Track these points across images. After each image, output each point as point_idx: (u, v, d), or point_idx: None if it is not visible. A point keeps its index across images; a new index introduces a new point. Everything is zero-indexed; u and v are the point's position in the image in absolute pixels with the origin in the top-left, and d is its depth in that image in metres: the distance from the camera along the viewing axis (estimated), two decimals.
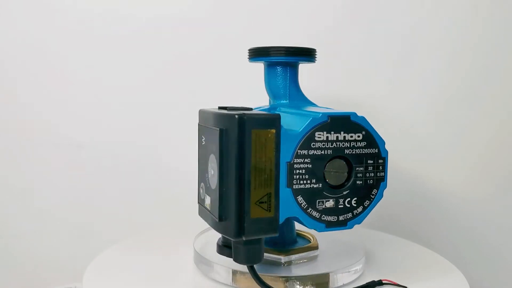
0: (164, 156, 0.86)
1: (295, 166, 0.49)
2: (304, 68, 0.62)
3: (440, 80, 0.87)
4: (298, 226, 0.63)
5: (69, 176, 0.85)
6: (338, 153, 0.51)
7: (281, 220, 0.49)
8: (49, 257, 0.83)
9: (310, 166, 0.50)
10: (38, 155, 0.84)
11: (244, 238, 0.47)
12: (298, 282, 0.54)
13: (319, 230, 0.51)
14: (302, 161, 0.49)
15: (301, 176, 0.49)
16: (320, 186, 0.50)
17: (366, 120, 0.51)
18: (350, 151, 0.51)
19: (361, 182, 0.52)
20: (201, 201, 0.54)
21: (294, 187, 0.49)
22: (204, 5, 0.85)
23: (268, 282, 0.51)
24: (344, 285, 0.56)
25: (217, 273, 0.57)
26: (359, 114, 0.51)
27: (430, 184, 0.87)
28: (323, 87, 0.84)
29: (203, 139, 0.54)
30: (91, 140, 0.85)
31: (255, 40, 0.66)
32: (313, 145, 0.50)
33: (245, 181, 0.47)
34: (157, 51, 0.85)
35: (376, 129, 0.52)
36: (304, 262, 0.59)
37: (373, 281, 0.56)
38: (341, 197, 0.51)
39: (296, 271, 0.57)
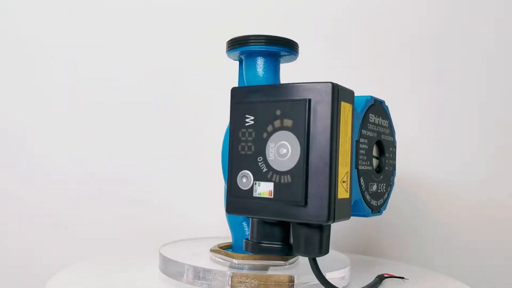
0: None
1: (360, 146, 0.47)
2: None
3: None
4: None
5: None
6: (379, 137, 0.51)
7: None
8: None
9: (367, 147, 0.48)
10: None
11: (332, 222, 0.42)
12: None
13: (368, 215, 0.49)
14: (363, 141, 0.48)
15: (362, 157, 0.47)
16: (371, 169, 0.49)
17: (388, 108, 0.53)
18: (383, 137, 0.52)
19: (387, 168, 0.53)
20: (240, 193, 0.45)
21: (359, 168, 0.47)
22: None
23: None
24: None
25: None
26: None
27: None
28: None
29: (250, 119, 0.46)
30: None
31: None
32: (368, 126, 0.49)
33: (335, 157, 0.42)
34: None
35: None
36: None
37: (379, 275, 0.56)
38: (380, 182, 0.51)
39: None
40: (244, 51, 0.56)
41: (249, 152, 0.46)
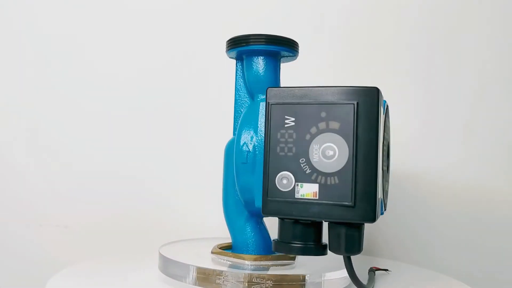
0: None
1: (383, 147, 0.49)
2: None
3: None
4: None
5: None
6: (388, 139, 0.54)
7: None
8: None
9: (386, 148, 0.51)
10: None
11: (375, 221, 0.44)
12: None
13: (382, 214, 0.51)
14: (385, 142, 0.50)
15: (383, 158, 0.50)
16: (386, 169, 0.52)
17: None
18: (387, 137, 0.55)
19: (386, 168, 0.56)
20: (278, 194, 0.45)
21: (383, 169, 0.49)
22: None
23: None
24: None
25: None
26: None
27: None
28: None
29: (290, 120, 0.45)
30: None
31: None
32: (385, 128, 0.51)
33: (378, 158, 0.44)
34: None
35: None
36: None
37: (370, 269, 0.59)
38: (387, 181, 0.54)
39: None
40: (246, 50, 0.56)
41: (290, 154, 0.45)
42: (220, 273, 0.52)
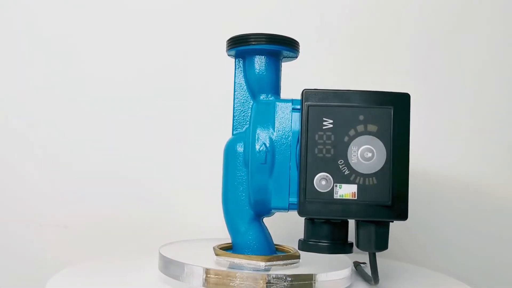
0: None
1: None
2: None
3: None
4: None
5: None
6: None
7: None
8: None
9: None
10: None
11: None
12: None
13: None
14: None
15: None
16: None
17: None
18: None
19: None
20: (315, 195, 0.46)
21: None
22: None
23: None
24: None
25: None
26: None
27: None
28: None
29: (329, 122, 0.46)
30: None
31: None
32: None
33: (408, 160, 0.46)
34: None
35: None
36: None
37: (356, 262, 0.62)
38: None
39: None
40: (249, 49, 0.56)
41: (328, 155, 0.46)
42: (235, 275, 0.51)
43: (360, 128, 0.46)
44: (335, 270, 0.53)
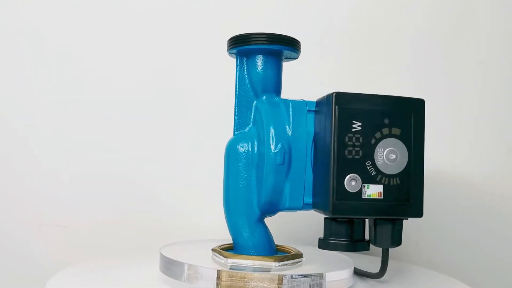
0: None
1: None
2: None
3: None
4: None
5: None
6: None
7: None
8: None
9: None
10: None
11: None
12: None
13: None
14: None
15: None
16: None
17: None
18: None
19: None
20: (347, 196, 0.47)
21: None
22: None
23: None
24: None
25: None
26: None
27: None
28: None
29: (358, 125, 0.47)
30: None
31: None
32: None
33: (423, 161, 0.50)
34: None
35: None
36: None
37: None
38: None
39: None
40: (254, 49, 0.56)
41: (357, 157, 0.48)
42: (251, 276, 0.51)
43: (385, 131, 0.49)
44: (340, 269, 0.54)
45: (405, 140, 0.49)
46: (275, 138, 0.53)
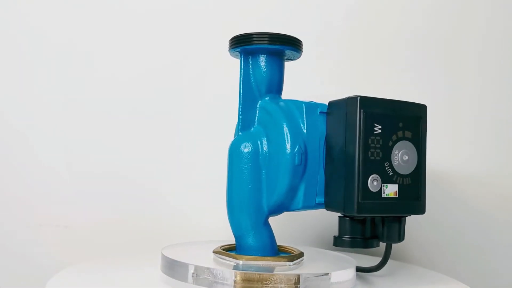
0: None
1: None
2: None
3: None
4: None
5: None
6: None
7: None
8: None
9: None
10: None
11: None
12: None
13: None
14: None
15: None
16: None
17: None
18: None
19: None
20: (370, 195, 0.50)
21: None
22: None
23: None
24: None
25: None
26: None
27: None
28: None
29: (378, 127, 0.49)
30: None
31: None
32: None
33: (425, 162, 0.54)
34: None
35: None
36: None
37: None
38: None
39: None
40: (261, 49, 0.56)
41: (378, 158, 0.50)
42: (268, 277, 0.51)
43: (400, 134, 0.52)
44: (346, 268, 0.55)
45: (415, 143, 0.53)
46: (292, 138, 0.53)
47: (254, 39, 0.55)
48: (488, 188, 0.84)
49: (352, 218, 0.52)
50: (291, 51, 0.57)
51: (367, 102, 0.51)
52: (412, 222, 0.76)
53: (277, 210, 0.55)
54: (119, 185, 0.82)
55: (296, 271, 0.52)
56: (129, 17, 0.84)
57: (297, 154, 0.53)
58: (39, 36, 0.84)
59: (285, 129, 0.54)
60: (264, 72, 0.57)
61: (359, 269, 0.59)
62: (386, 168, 0.51)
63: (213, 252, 0.57)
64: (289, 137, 0.53)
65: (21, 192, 0.83)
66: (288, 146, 0.53)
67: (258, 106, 0.57)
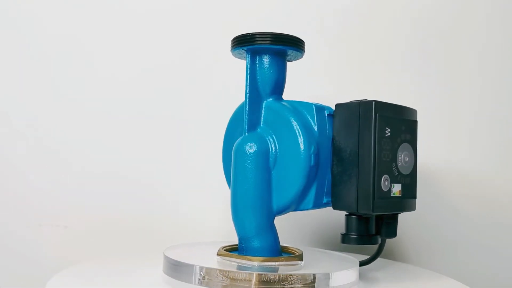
0: None
1: None
2: None
3: None
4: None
5: None
6: None
7: None
8: None
9: None
10: None
11: None
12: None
13: None
14: None
15: None
16: None
17: None
18: None
19: None
20: (382, 195, 0.52)
21: None
22: None
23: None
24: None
25: None
26: None
27: None
28: None
29: (388, 130, 0.52)
30: None
31: None
32: None
33: None
34: None
35: None
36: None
37: None
38: None
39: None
40: (270, 49, 0.56)
41: (387, 159, 0.53)
42: (286, 277, 0.51)
43: (402, 136, 0.56)
44: (350, 267, 0.57)
45: (412, 145, 0.57)
46: (306, 139, 0.54)
47: (268, 38, 0.55)
48: (486, 187, 0.84)
49: (360, 217, 0.55)
50: (296, 52, 0.57)
51: (379, 106, 0.54)
52: (413, 222, 0.82)
53: (286, 210, 0.55)
54: (119, 185, 0.82)
55: (309, 271, 0.53)
56: (129, 17, 0.84)
57: (313, 155, 0.54)
58: (39, 36, 0.83)
59: (298, 130, 0.54)
60: (270, 72, 0.57)
61: None
62: (393, 169, 0.55)
63: (219, 254, 0.56)
64: (303, 138, 0.54)
65: (21, 192, 0.82)
66: (303, 147, 0.54)
67: (263, 107, 0.57)
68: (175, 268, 0.53)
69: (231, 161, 0.58)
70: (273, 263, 0.54)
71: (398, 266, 0.71)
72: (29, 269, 0.82)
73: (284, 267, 0.54)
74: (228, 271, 0.51)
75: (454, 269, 0.81)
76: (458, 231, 0.84)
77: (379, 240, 0.57)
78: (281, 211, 0.55)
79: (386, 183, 0.54)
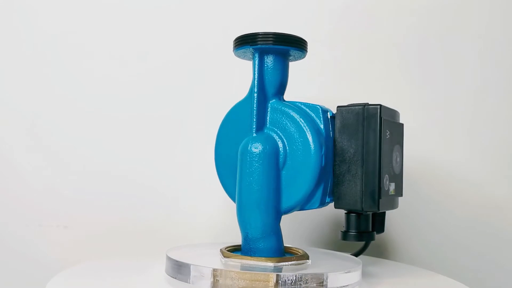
0: None
1: None
2: None
3: None
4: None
5: None
6: None
7: None
8: None
9: None
10: None
11: None
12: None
13: None
14: None
15: None
16: None
17: None
18: None
19: None
20: (384, 193, 0.55)
21: None
22: None
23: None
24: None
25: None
26: None
27: None
28: None
29: (388, 133, 0.54)
30: None
31: None
32: None
33: None
34: None
35: None
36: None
37: None
38: None
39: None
40: (279, 49, 0.57)
41: (387, 160, 0.57)
42: (302, 277, 0.52)
43: (395, 139, 0.59)
44: (353, 267, 0.58)
45: (401, 146, 0.61)
46: (316, 140, 0.55)
47: (282, 39, 0.55)
48: (484, 187, 0.83)
49: (359, 214, 0.58)
50: (300, 53, 0.58)
51: (383, 110, 0.57)
52: (412, 222, 0.83)
53: (293, 209, 0.56)
54: (119, 185, 0.81)
55: (319, 270, 0.54)
56: (129, 17, 0.83)
57: (324, 155, 0.55)
58: (39, 36, 0.83)
59: (308, 131, 0.55)
60: (277, 72, 0.57)
61: None
62: (390, 169, 0.58)
63: (225, 256, 0.55)
64: (314, 140, 0.55)
65: (21, 192, 0.82)
66: (314, 148, 0.55)
67: (269, 107, 0.57)
68: (179, 270, 0.52)
69: (226, 164, 0.59)
70: (287, 263, 0.54)
71: (397, 265, 0.73)
72: (29, 269, 0.82)
73: (295, 267, 0.55)
74: (245, 273, 0.50)
75: (454, 269, 0.81)
76: (458, 231, 0.83)
77: (374, 237, 0.61)
78: (288, 211, 0.56)
79: (387, 182, 0.57)
